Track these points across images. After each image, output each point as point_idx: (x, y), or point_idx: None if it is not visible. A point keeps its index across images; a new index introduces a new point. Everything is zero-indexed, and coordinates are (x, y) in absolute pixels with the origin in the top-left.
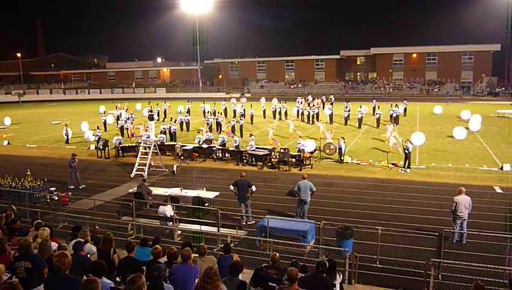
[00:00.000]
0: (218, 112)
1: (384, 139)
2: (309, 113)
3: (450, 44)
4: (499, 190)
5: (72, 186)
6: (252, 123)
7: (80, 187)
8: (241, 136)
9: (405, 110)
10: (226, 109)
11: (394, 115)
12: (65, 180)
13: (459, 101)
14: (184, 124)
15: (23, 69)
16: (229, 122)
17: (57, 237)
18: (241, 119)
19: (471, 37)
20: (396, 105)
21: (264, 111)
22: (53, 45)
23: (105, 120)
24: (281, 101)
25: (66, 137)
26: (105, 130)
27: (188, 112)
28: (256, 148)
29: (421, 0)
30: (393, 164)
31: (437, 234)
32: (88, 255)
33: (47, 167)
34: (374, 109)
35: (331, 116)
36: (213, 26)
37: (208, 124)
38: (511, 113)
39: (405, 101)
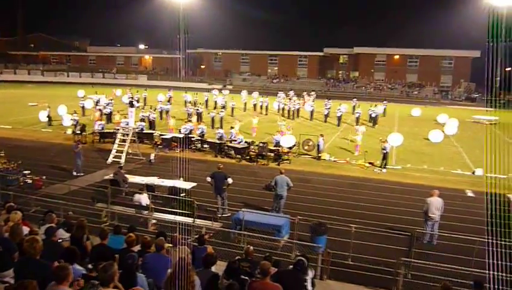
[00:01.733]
0: (199, 103)
1: (354, 140)
2: (289, 108)
3: (432, 48)
4: (470, 194)
5: (80, 173)
6: (232, 115)
7: (75, 173)
8: (221, 128)
9: (384, 110)
10: (207, 100)
11: (373, 115)
12: (40, 163)
13: (437, 104)
14: (164, 112)
15: (1, 48)
16: (209, 113)
17: (29, 221)
18: (221, 111)
19: (452, 42)
20: (375, 105)
21: (245, 104)
22: (33, 25)
23: (83, 105)
24: (263, 95)
25: (47, 119)
26: (83, 114)
27: (169, 100)
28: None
29: (407, 2)
30: (370, 163)
31: (408, 234)
32: (60, 241)
33: (22, 149)
34: (353, 108)
35: (311, 112)
36: (198, 16)
37: (188, 114)
38: (486, 119)
39: (385, 102)
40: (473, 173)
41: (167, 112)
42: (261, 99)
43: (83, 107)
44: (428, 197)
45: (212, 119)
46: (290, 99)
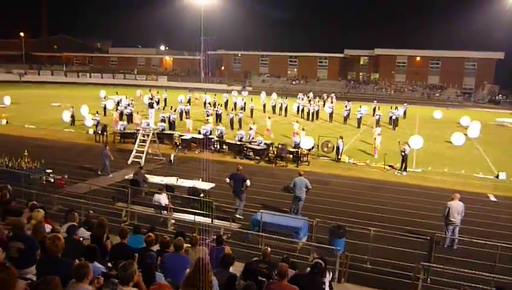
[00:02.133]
0: (219, 104)
1: (372, 142)
2: (309, 110)
3: (454, 49)
4: (493, 198)
5: (108, 174)
6: (251, 117)
7: (100, 173)
8: (240, 129)
9: (405, 113)
10: (227, 101)
11: (393, 117)
12: (62, 163)
13: (459, 107)
14: (184, 113)
15: (25, 49)
16: (228, 114)
17: (51, 220)
18: (240, 112)
19: (475, 44)
20: (396, 107)
21: (264, 106)
22: (57, 26)
23: (105, 105)
24: (282, 97)
25: (71, 119)
26: (105, 114)
27: (189, 101)
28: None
29: (428, 3)
30: (390, 166)
31: (428, 238)
32: (81, 240)
33: (45, 148)
34: (374, 109)
35: (331, 114)
36: (218, 17)
37: (208, 115)
38: (511, 122)
39: (405, 104)
40: (497, 176)
41: (187, 112)
42: (280, 101)
43: (104, 108)
44: (449, 201)
45: (231, 121)
46: (309, 101)
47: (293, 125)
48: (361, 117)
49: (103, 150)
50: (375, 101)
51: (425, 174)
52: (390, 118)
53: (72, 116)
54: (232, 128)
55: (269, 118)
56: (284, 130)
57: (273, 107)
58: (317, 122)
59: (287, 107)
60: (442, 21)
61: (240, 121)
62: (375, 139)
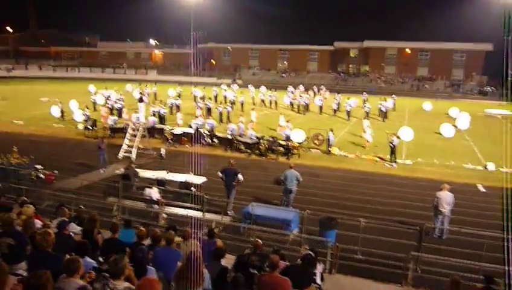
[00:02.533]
0: (208, 98)
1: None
2: (299, 103)
3: (443, 41)
4: (482, 188)
5: (102, 170)
6: (242, 110)
7: (102, 171)
8: (230, 122)
9: (394, 104)
10: (216, 94)
11: (383, 109)
12: (52, 158)
13: (448, 98)
14: (175, 107)
15: (13, 43)
16: (216, 108)
17: (41, 215)
18: (229, 106)
19: (464, 35)
20: (385, 99)
21: (253, 99)
22: (45, 21)
23: (95, 100)
24: (271, 89)
25: (60, 114)
26: (95, 109)
27: (179, 95)
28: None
29: None
30: (380, 158)
31: (418, 228)
32: (72, 235)
33: (34, 144)
34: (364, 101)
35: (320, 107)
36: (208, 10)
37: (198, 108)
38: (499, 113)
39: (394, 96)
40: (485, 167)
41: (178, 106)
42: (269, 94)
43: (94, 103)
44: (439, 192)
45: (220, 114)
46: (300, 94)
47: (279, 119)
48: (350, 109)
49: (100, 144)
50: (365, 93)
51: (416, 165)
52: (380, 110)
53: (62, 111)
54: (221, 121)
55: (252, 109)
56: (273, 124)
57: (263, 101)
58: (308, 115)
59: (276, 100)
60: (431, 12)
61: (228, 114)
62: (364, 131)
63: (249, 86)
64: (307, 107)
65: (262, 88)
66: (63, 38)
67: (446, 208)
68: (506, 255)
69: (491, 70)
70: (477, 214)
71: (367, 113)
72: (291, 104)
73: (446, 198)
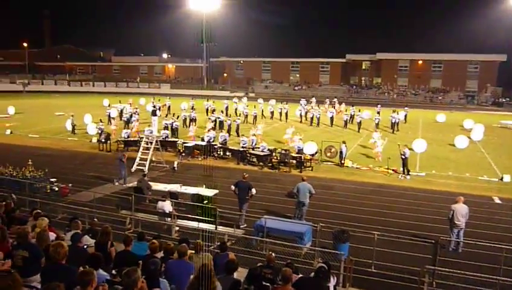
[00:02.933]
0: (221, 110)
1: (371, 146)
2: (313, 115)
3: (456, 52)
4: (497, 201)
5: (117, 183)
6: (254, 123)
7: (117, 183)
8: (238, 135)
9: (405, 117)
10: (227, 107)
11: (393, 120)
12: (66, 171)
13: (462, 110)
14: (188, 120)
15: (29, 59)
16: (225, 121)
17: (55, 228)
18: (238, 119)
19: (477, 47)
20: (396, 111)
21: (262, 111)
22: (60, 36)
23: (109, 113)
24: (282, 102)
25: (72, 127)
26: (110, 123)
27: (192, 108)
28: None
29: (429, 7)
30: (393, 170)
31: (433, 241)
32: (85, 247)
33: (49, 157)
34: (378, 114)
35: (332, 119)
36: (220, 25)
37: (211, 122)
38: None
39: (406, 108)
40: (501, 179)
41: (192, 119)
42: (280, 106)
43: (109, 116)
44: (454, 204)
45: (229, 127)
46: (312, 107)
47: (286, 133)
48: (360, 121)
49: (122, 158)
50: (379, 106)
51: (429, 177)
52: (391, 121)
53: (73, 125)
54: (229, 134)
55: (258, 122)
56: (282, 136)
57: (272, 113)
58: (320, 127)
59: (287, 112)
60: (444, 24)
61: (238, 127)
62: (374, 143)
63: (258, 99)
64: (318, 120)
65: (272, 101)
66: (78, 54)
67: (461, 221)
68: None
69: (505, 81)
70: (494, 227)
71: (376, 124)
72: (301, 116)
73: (461, 210)
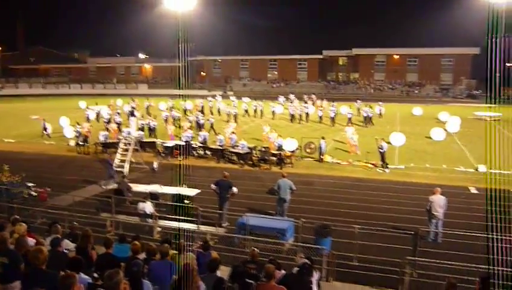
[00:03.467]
0: (198, 110)
1: (345, 141)
2: (301, 112)
3: (431, 46)
4: (474, 191)
5: (104, 186)
6: (236, 121)
7: (104, 187)
8: (216, 134)
9: (380, 112)
10: (202, 107)
11: (365, 114)
12: (44, 175)
13: (438, 103)
14: (169, 120)
15: (1, 62)
16: (197, 120)
17: (35, 233)
18: (212, 118)
19: (451, 40)
20: (370, 106)
21: (247, 111)
22: (33, 39)
23: (88, 115)
24: (256, 100)
25: (45, 131)
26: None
27: (172, 108)
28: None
29: (404, 0)
30: (372, 164)
31: (413, 233)
32: (66, 251)
33: (26, 162)
34: (358, 109)
35: (307, 114)
36: (197, 24)
37: (189, 121)
38: (488, 115)
39: (380, 103)
40: (476, 169)
41: (174, 119)
42: (254, 104)
43: (87, 118)
44: (431, 195)
45: (200, 125)
46: (291, 102)
47: (263, 130)
48: (334, 116)
49: (110, 161)
50: (359, 101)
51: (408, 170)
52: (363, 116)
53: (45, 128)
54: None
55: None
56: (259, 134)
57: (246, 111)
58: (295, 124)
59: (262, 110)
60: (418, 19)
61: (212, 125)
62: (351, 138)
63: (231, 97)
64: (306, 116)
65: (245, 99)
66: (52, 56)
67: (439, 212)
68: (496, 256)
69: (479, 74)
70: (471, 217)
71: (349, 119)
72: (293, 115)
73: (439, 201)
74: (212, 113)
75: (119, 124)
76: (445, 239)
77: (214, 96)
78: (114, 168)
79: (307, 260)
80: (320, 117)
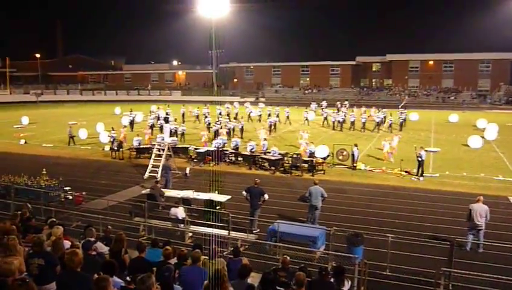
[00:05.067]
0: (227, 115)
1: (381, 147)
2: (334, 119)
3: (468, 52)
4: None
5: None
6: (270, 129)
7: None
8: (241, 138)
9: (404, 120)
10: (232, 112)
11: (390, 122)
12: (80, 180)
13: (475, 109)
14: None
15: (41, 69)
16: (225, 125)
17: (70, 236)
18: (240, 122)
19: (489, 45)
20: (390, 114)
21: (260, 116)
22: (71, 46)
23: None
24: (288, 106)
25: (69, 139)
26: (132, 130)
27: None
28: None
29: (439, 6)
30: (406, 172)
31: (449, 243)
32: (99, 254)
33: (62, 166)
34: (389, 115)
35: (340, 122)
36: (230, 30)
37: (221, 128)
38: None
39: (404, 110)
40: None
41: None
42: (287, 110)
43: (129, 123)
44: (472, 203)
45: (229, 130)
46: (338, 110)
47: (301, 136)
48: (365, 122)
49: (169, 166)
50: (402, 109)
51: (443, 178)
52: (389, 124)
53: (71, 137)
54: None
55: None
56: (291, 140)
57: (277, 116)
58: (329, 131)
59: (288, 116)
60: (454, 23)
61: (241, 130)
62: (389, 144)
63: (259, 103)
64: (341, 124)
65: (261, 104)
66: (89, 63)
67: (481, 221)
68: None
69: None
70: (510, 228)
71: (390, 125)
72: (326, 119)
73: (480, 210)
74: (236, 118)
75: (152, 129)
76: (484, 250)
77: (242, 103)
78: (171, 173)
79: (327, 266)
80: (352, 122)
